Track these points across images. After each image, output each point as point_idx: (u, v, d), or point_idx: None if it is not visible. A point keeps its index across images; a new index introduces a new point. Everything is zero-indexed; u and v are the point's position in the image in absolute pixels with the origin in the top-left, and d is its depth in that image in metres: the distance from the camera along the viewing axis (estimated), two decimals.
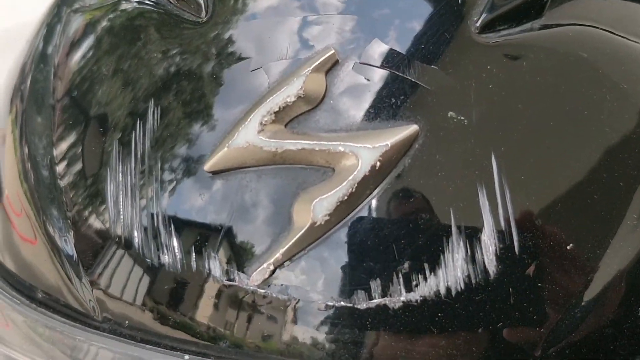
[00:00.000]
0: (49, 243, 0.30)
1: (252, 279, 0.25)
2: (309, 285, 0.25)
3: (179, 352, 0.26)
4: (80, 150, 0.30)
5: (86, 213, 0.29)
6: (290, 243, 0.25)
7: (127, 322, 0.27)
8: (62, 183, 0.30)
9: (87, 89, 0.30)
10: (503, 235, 0.24)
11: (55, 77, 0.32)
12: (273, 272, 0.25)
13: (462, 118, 0.25)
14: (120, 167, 0.28)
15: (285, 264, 0.25)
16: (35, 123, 0.32)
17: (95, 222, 0.28)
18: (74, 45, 0.33)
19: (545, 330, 0.24)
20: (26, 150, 0.32)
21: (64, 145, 0.30)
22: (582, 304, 0.24)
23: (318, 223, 0.25)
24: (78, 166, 0.30)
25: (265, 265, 0.25)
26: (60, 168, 0.30)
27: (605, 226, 0.25)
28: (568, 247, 0.24)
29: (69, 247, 0.29)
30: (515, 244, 0.24)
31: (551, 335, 0.24)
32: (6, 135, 0.35)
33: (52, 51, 0.34)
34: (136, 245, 0.27)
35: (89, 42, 0.32)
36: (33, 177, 0.31)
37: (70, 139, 0.30)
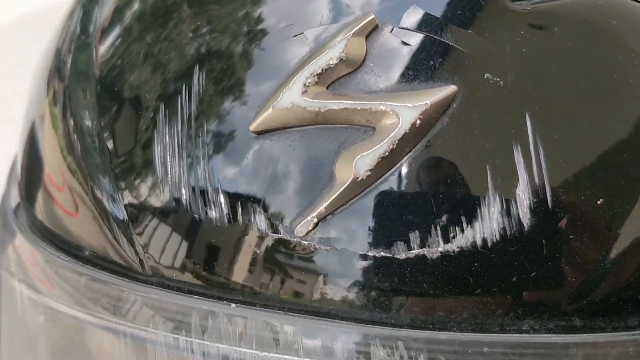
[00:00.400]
0: (97, 208, 0.31)
1: (296, 231, 0.26)
2: (351, 237, 0.26)
3: (225, 301, 0.28)
4: (127, 116, 0.31)
5: (134, 175, 0.30)
6: (332, 197, 0.26)
7: (174, 274, 0.29)
8: (111, 148, 0.31)
9: (131, 58, 0.32)
10: (537, 190, 0.25)
11: (98, 49, 0.34)
12: (316, 224, 0.26)
13: (497, 80, 0.26)
14: (167, 129, 0.29)
15: (328, 217, 0.26)
16: (80, 96, 0.33)
17: (143, 183, 0.30)
18: (115, 17, 0.34)
19: (577, 281, 0.25)
20: (71, 122, 0.33)
21: (111, 113, 0.32)
22: (612, 256, 0.25)
23: (360, 178, 0.26)
24: (125, 131, 0.31)
25: (309, 218, 0.26)
26: (107, 134, 0.31)
27: (634, 183, 0.26)
28: (598, 202, 0.25)
29: (118, 209, 0.30)
30: (549, 198, 0.25)
31: (582, 286, 0.25)
32: (45, 116, 0.36)
33: (92, 28, 0.35)
34: (184, 202, 0.28)
35: (130, 13, 0.34)
36: (80, 147, 0.32)
37: (117, 106, 0.32)
